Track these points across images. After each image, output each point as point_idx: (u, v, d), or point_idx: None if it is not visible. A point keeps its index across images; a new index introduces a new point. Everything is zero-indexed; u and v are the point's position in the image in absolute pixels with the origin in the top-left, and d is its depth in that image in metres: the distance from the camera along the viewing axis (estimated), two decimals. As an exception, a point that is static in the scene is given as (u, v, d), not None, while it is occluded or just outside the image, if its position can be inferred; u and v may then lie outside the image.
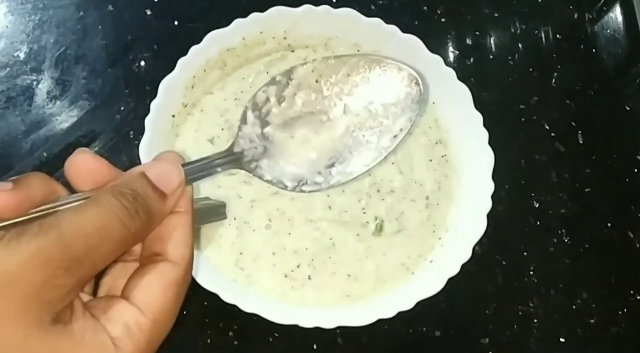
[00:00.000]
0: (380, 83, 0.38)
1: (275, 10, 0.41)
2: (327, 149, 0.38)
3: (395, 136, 0.38)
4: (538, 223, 0.47)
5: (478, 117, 0.40)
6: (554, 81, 0.51)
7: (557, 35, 0.52)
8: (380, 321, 0.37)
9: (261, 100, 0.38)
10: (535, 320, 0.45)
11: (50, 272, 0.24)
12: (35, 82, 0.48)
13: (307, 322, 0.37)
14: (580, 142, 0.49)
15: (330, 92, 0.38)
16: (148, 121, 0.38)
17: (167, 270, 0.28)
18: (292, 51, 0.43)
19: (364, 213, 0.40)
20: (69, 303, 0.26)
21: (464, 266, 0.38)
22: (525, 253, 0.46)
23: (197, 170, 0.33)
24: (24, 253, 0.24)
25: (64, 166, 0.29)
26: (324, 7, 0.41)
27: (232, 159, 0.35)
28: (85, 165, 0.29)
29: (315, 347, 0.43)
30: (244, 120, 0.37)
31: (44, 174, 0.29)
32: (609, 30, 0.52)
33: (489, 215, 0.39)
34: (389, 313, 0.37)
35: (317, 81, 0.38)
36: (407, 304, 0.37)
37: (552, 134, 0.49)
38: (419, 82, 0.38)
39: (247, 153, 0.36)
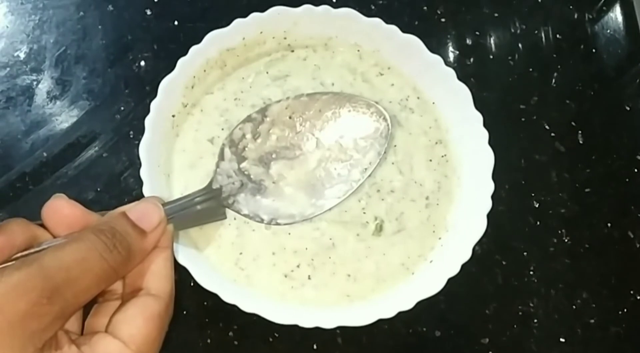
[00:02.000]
0: (350, 119, 0.41)
1: (275, 10, 0.41)
2: (300, 183, 0.40)
3: (365, 169, 0.40)
4: (538, 223, 0.47)
5: (478, 117, 0.40)
6: (554, 81, 0.51)
7: (557, 36, 0.52)
8: (380, 321, 0.37)
9: (237, 137, 0.40)
10: (535, 320, 0.45)
11: (33, 301, 0.25)
12: (35, 82, 0.48)
13: (307, 322, 0.37)
14: (580, 142, 0.49)
15: (303, 128, 0.40)
16: (148, 121, 0.38)
17: (149, 303, 0.30)
18: (292, 51, 0.43)
19: (364, 213, 0.40)
20: (54, 336, 0.26)
21: (464, 266, 0.38)
22: (525, 253, 0.46)
23: (178, 208, 0.34)
24: (7, 284, 0.25)
25: (41, 212, 0.31)
26: (324, 7, 0.41)
27: (211, 196, 0.37)
28: (59, 210, 0.31)
29: (315, 347, 0.43)
30: (221, 157, 0.39)
31: (24, 220, 0.30)
32: (609, 30, 0.52)
33: (489, 215, 0.39)
34: (389, 313, 0.37)
35: (290, 117, 0.41)
36: (407, 304, 0.37)
37: (552, 134, 0.49)
38: (387, 117, 0.41)
39: (225, 188, 0.38)
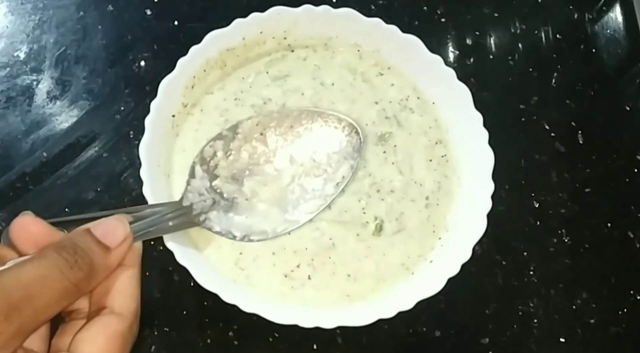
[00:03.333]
0: (322, 134, 0.41)
1: (275, 10, 0.41)
2: (274, 199, 0.39)
3: (338, 184, 0.40)
4: (538, 223, 0.47)
5: (478, 117, 0.40)
6: (554, 81, 0.51)
7: (557, 35, 0.52)
8: (380, 321, 0.37)
9: (209, 154, 0.39)
10: (535, 320, 0.45)
11: None
12: (35, 82, 0.48)
13: (307, 322, 0.37)
14: (580, 142, 0.49)
15: (275, 144, 0.40)
16: (148, 121, 0.38)
17: (112, 322, 0.30)
18: (292, 51, 0.43)
19: (364, 213, 0.40)
20: None
21: (464, 266, 0.38)
22: (525, 253, 0.46)
23: (147, 225, 0.34)
24: None
25: (9, 229, 0.30)
26: (324, 7, 0.41)
27: (182, 213, 0.37)
28: (25, 227, 0.30)
29: (315, 347, 0.43)
30: (192, 174, 0.39)
31: None
32: (609, 30, 0.52)
33: (489, 215, 0.39)
34: (389, 313, 0.37)
35: (262, 134, 0.40)
36: (407, 304, 0.37)
37: (552, 134, 0.49)
38: (359, 130, 0.41)
39: (195, 206, 0.37)
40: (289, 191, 0.40)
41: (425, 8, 0.51)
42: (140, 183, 0.37)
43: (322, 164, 0.40)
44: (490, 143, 0.40)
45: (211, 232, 0.38)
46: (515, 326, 0.45)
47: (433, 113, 0.43)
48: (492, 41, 0.51)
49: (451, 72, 0.41)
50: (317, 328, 0.36)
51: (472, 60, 0.50)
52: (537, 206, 0.47)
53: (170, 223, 0.36)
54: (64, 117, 0.47)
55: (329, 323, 0.37)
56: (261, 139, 0.40)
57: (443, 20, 0.51)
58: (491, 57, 0.51)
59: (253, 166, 0.40)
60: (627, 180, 0.49)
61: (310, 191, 0.40)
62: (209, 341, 0.43)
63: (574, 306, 0.46)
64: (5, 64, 0.48)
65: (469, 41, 0.51)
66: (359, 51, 0.43)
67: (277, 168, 0.40)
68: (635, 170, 0.49)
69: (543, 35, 0.52)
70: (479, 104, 0.40)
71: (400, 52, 0.42)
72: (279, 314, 0.36)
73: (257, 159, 0.40)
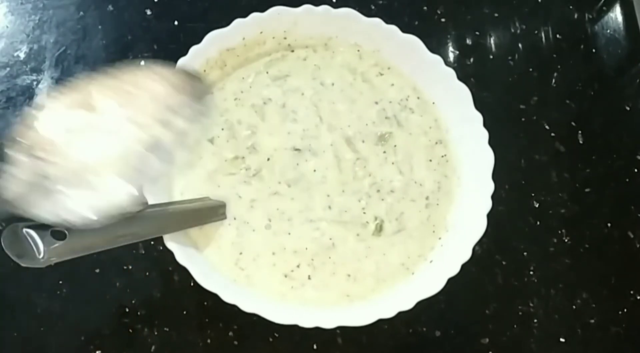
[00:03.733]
0: (153, 87, 0.32)
1: (275, 10, 0.41)
2: (111, 168, 0.31)
3: (187, 145, 0.32)
4: (538, 223, 0.47)
5: (478, 117, 0.40)
6: (554, 81, 0.51)
7: (557, 35, 0.52)
8: (380, 321, 0.37)
9: (23, 130, 0.30)
10: (535, 320, 0.45)
11: None
12: (35, 82, 0.48)
13: (307, 322, 0.37)
14: (580, 142, 0.49)
15: (102, 107, 0.31)
16: (148, 121, 0.38)
17: None
18: (292, 51, 0.43)
19: (364, 213, 0.40)
20: None
21: (464, 266, 0.38)
22: (525, 253, 0.46)
23: None
24: None
25: None
26: (324, 7, 0.41)
27: None
28: None
29: (315, 347, 0.43)
30: (4, 159, 0.30)
31: None
32: (609, 30, 0.52)
33: (489, 215, 0.39)
34: (389, 313, 0.37)
35: (84, 98, 0.31)
36: (407, 304, 0.37)
37: (552, 134, 0.49)
38: (200, 77, 0.34)
39: (9, 193, 0.29)
40: (128, 157, 0.31)
41: (425, 8, 0.51)
42: (140, 183, 0.37)
43: (157, 120, 0.32)
44: (490, 143, 0.40)
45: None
46: (515, 326, 0.45)
47: (433, 113, 0.43)
48: (492, 41, 0.51)
49: (451, 72, 0.41)
50: (317, 328, 0.36)
51: (472, 60, 0.50)
52: (537, 206, 0.47)
53: None
54: (64, 117, 0.47)
55: (329, 323, 0.37)
56: (85, 104, 0.31)
57: (443, 20, 0.51)
58: (491, 57, 0.51)
59: (80, 136, 0.31)
60: (627, 180, 0.49)
61: (154, 153, 0.31)
62: (209, 341, 0.43)
63: (574, 307, 0.46)
64: (5, 64, 0.48)
65: (469, 41, 0.51)
66: (359, 51, 0.43)
67: (109, 132, 0.31)
68: (635, 170, 0.49)
69: (543, 35, 0.52)
70: (479, 104, 0.40)
71: (400, 52, 0.42)
72: (279, 314, 0.37)
73: (84, 127, 0.31)
